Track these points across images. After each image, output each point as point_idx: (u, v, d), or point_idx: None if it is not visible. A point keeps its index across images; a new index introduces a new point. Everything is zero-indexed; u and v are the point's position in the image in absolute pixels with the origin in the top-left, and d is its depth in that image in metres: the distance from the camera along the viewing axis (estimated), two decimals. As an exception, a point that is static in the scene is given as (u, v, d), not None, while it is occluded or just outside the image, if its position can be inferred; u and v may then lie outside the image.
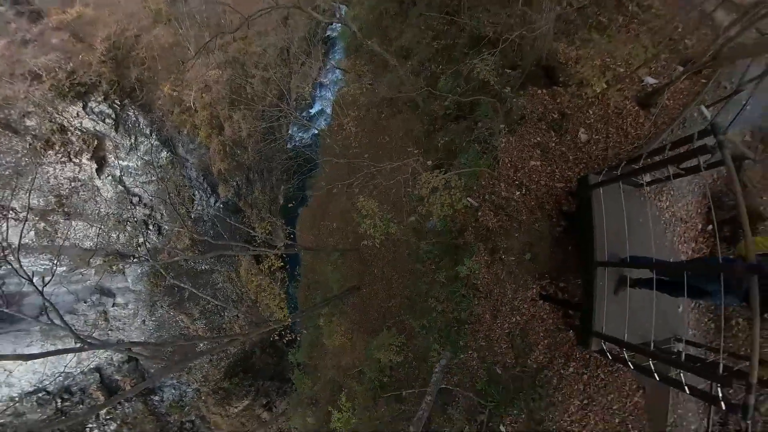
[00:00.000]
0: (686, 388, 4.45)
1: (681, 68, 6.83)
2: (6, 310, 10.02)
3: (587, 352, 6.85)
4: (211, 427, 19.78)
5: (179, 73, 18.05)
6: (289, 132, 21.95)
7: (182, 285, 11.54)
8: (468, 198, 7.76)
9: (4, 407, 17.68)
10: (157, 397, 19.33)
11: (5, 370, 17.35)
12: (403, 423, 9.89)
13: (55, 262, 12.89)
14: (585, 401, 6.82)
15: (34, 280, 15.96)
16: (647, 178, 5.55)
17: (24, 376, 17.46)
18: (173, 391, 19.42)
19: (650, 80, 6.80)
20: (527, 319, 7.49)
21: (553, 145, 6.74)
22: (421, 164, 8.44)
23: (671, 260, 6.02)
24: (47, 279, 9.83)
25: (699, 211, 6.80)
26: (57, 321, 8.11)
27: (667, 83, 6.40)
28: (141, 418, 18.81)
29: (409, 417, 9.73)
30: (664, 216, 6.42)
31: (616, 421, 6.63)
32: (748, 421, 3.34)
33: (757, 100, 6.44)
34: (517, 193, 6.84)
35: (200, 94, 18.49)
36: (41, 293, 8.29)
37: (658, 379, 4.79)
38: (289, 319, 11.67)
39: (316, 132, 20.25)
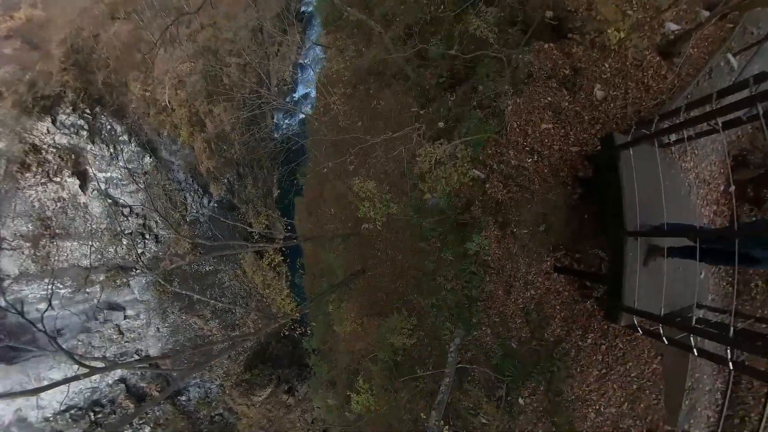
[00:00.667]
0: (730, 364, 3.97)
1: (706, 12, 5.91)
2: (9, 344, 9.53)
3: (605, 323, 6.49)
4: (239, 416, 20.08)
5: (147, 71, 16.68)
6: (275, 120, 20.74)
7: (186, 293, 11.00)
8: (474, 170, 7.01)
9: (42, 428, 17.80)
10: (184, 397, 19.45)
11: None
12: (421, 401, 9.77)
13: (50, 286, 12.27)
14: (603, 371, 6.60)
15: (40, 306, 15.42)
16: (674, 136, 4.83)
17: (53, 397, 17.39)
18: (198, 390, 19.53)
19: (672, 26, 5.90)
20: (542, 292, 7.08)
21: (566, 104, 5.91)
22: (422, 134, 7.52)
23: (696, 225, 5.47)
24: (46, 305, 9.35)
25: (722, 171, 6.18)
26: (57, 348, 7.77)
27: (692, 29, 5.49)
28: (172, 418, 19.02)
29: (426, 393, 9.60)
30: (688, 178, 5.81)
31: (634, 387, 6.46)
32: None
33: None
34: (529, 160, 6.09)
35: (174, 90, 17.19)
36: (35, 324, 7.82)
37: (696, 354, 4.37)
38: (298, 314, 11.31)
39: (303, 117, 19.09)
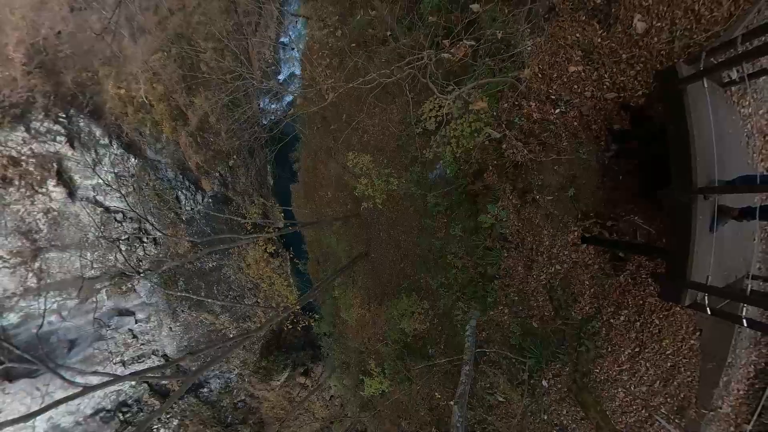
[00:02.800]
0: None
1: None
2: (12, 365, 8.74)
3: (641, 297, 5.53)
4: (261, 401, 19.87)
5: (120, 66, 14.97)
6: (261, 106, 19.07)
7: (191, 295, 10.06)
8: (488, 127, 5.73)
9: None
10: (205, 389, 19.14)
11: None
12: (434, 379, 9.11)
13: (44, 302, 11.30)
14: (636, 349, 5.87)
15: (51, 319, 14.41)
16: (737, 72, 3.57)
17: (81, 402, 16.97)
18: (218, 381, 19.20)
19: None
20: (568, 267, 6.11)
21: (599, 41, 4.58)
22: (424, 68, 5.86)
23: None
24: (53, 320, 8.43)
25: (777, 121, 4.95)
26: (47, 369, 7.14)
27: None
28: (197, 409, 18.77)
29: (440, 372, 8.94)
30: (746, 126, 4.59)
31: (668, 365, 5.78)
32: None
33: None
34: (555, 111, 4.80)
35: (150, 85, 15.51)
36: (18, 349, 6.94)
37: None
38: (298, 305, 10.51)
39: (290, 99, 17.48)
